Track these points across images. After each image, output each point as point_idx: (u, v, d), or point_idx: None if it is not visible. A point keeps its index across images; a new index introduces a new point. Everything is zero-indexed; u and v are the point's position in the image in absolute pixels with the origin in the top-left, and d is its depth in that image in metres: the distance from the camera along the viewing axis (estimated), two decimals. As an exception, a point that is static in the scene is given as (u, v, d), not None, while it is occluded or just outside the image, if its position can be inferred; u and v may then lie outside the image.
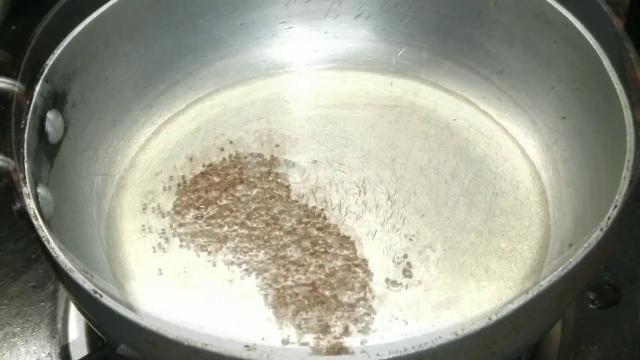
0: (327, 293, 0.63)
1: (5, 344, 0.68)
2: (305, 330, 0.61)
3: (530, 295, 0.50)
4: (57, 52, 0.65)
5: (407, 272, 0.64)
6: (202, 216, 0.68)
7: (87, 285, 0.51)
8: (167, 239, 0.67)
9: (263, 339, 0.60)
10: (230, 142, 0.73)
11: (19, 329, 0.69)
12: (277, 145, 0.73)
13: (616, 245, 0.72)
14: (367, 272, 0.64)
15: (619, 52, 0.82)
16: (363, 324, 0.61)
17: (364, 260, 0.65)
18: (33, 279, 0.72)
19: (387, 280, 0.64)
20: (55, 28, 0.65)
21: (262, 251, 0.65)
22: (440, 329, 0.60)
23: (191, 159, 0.72)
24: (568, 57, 0.67)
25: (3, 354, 0.68)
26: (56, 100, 0.65)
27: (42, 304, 0.71)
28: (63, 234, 0.62)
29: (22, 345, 0.68)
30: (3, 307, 0.71)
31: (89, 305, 0.53)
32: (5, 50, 0.83)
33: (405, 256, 0.65)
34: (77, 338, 0.68)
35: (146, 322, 0.49)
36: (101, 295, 0.51)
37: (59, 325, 0.69)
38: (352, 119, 0.74)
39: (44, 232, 0.54)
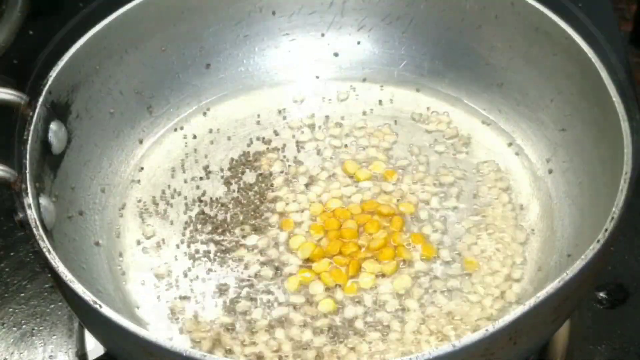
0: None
1: (23, 343, 0.69)
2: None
3: (527, 307, 0.50)
4: (61, 63, 0.65)
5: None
6: (205, 224, 0.68)
7: (87, 296, 0.52)
8: (169, 249, 0.67)
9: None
10: (233, 153, 0.73)
11: (36, 328, 0.70)
12: (280, 158, 0.73)
13: (623, 245, 0.72)
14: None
15: (626, 56, 0.82)
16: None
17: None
18: (50, 279, 0.71)
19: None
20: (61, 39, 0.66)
21: (267, 265, 0.66)
22: (437, 341, 0.60)
23: (193, 170, 0.72)
24: (567, 70, 0.68)
25: (21, 353, 0.68)
26: (60, 111, 0.65)
27: (60, 303, 0.71)
28: (66, 244, 0.62)
29: (40, 344, 0.69)
30: (21, 306, 0.71)
31: (89, 315, 0.54)
32: (21, 55, 0.83)
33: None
34: (93, 337, 0.68)
35: (145, 333, 0.50)
36: (100, 306, 0.51)
37: (76, 325, 0.69)
38: (353, 130, 0.75)
39: (44, 242, 0.55)
